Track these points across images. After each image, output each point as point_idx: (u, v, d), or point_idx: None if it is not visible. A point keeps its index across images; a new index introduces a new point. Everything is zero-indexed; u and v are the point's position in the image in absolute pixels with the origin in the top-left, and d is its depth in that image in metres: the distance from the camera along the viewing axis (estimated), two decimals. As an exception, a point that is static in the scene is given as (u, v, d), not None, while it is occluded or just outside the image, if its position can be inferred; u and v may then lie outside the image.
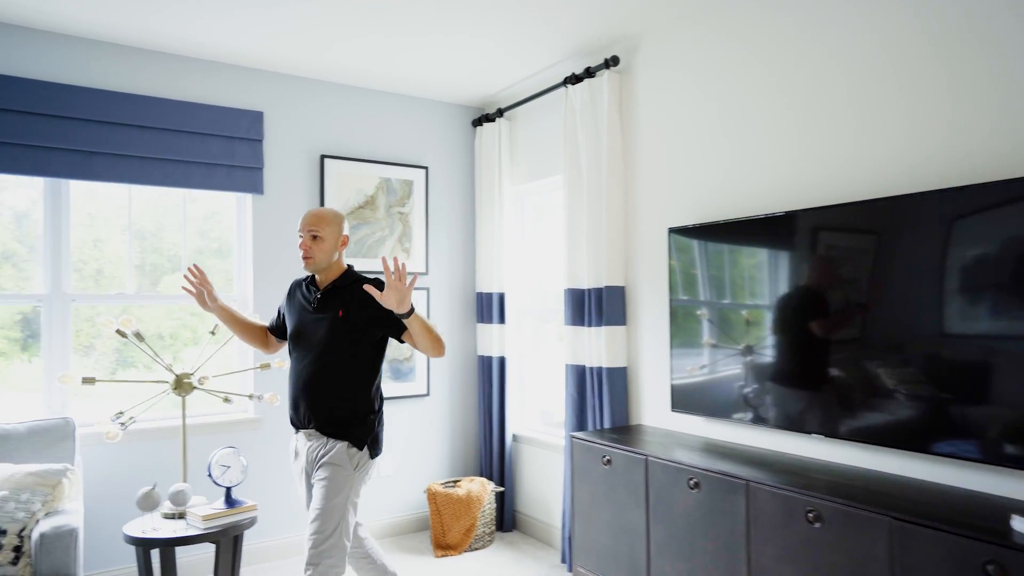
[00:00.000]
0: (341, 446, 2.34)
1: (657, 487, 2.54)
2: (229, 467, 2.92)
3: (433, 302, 4.26)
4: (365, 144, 4.04)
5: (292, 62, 3.61)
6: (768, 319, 2.55)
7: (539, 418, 4.18)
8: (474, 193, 4.45)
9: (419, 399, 4.19)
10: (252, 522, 2.89)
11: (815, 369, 2.39)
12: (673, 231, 2.95)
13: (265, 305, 3.69)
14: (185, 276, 2.53)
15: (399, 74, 3.82)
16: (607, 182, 3.28)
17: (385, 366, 4.06)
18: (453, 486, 3.93)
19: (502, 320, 4.12)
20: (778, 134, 2.65)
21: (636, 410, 3.29)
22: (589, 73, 3.37)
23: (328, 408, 2.37)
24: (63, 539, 2.41)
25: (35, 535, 2.42)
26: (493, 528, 3.89)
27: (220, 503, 2.89)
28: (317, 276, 2.50)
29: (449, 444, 4.30)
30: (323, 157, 3.86)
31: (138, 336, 3.09)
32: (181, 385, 3.11)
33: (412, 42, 3.36)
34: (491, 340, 4.14)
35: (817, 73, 2.51)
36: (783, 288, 2.50)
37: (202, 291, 2.54)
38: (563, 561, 3.51)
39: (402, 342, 2.40)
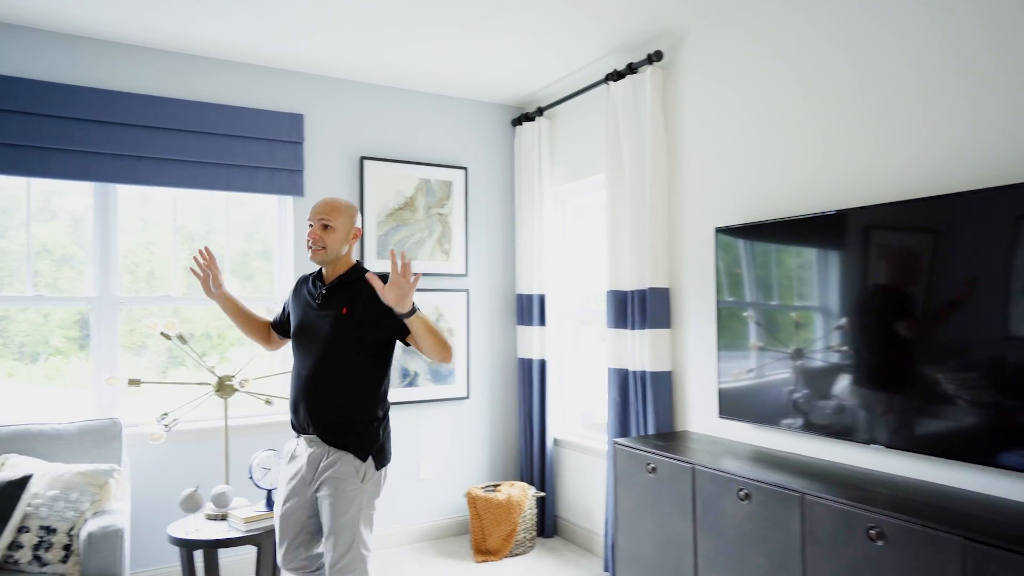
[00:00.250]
0: (346, 459, 2.20)
1: (705, 497, 2.44)
2: (270, 470, 2.92)
3: (472, 304, 4.22)
4: (404, 145, 4.02)
5: (332, 64, 3.61)
6: (817, 321, 2.43)
7: (580, 422, 4.10)
8: (514, 194, 4.40)
9: (459, 402, 4.16)
10: (293, 525, 2.89)
11: (871, 374, 2.26)
12: (720, 231, 2.85)
13: (306, 307, 3.69)
14: (195, 258, 2.45)
15: (439, 74, 3.80)
16: (650, 181, 3.19)
17: (424, 368, 4.03)
18: (493, 490, 3.88)
19: (542, 322, 4.05)
20: (829, 130, 2.52)
21: (681, 416, 3.19)
22: (631, 69, 3.28)
23: (329, 412, 2.22)
24: (110, 539, 2.44)
25: (83, 534, 2.46)
26: (534, 533, 3.83)
27: (261, 505, 2.90)
28: (324, 270, 2.37)
29: (489, 448, 4.26)
30: (363, 159, 3.86)
31: (181, 339, 3.13)
32: (223, 387, 3.14)
33: (452, 42, 3.33)
34: (531, 343, 4.08)
35: (874, 65, 2.38)
36: (833, 289, 2.37)
37: (208, 274, 2.45)
38: (606, 570, 3.43)
39: (407, 344, 2.26)
